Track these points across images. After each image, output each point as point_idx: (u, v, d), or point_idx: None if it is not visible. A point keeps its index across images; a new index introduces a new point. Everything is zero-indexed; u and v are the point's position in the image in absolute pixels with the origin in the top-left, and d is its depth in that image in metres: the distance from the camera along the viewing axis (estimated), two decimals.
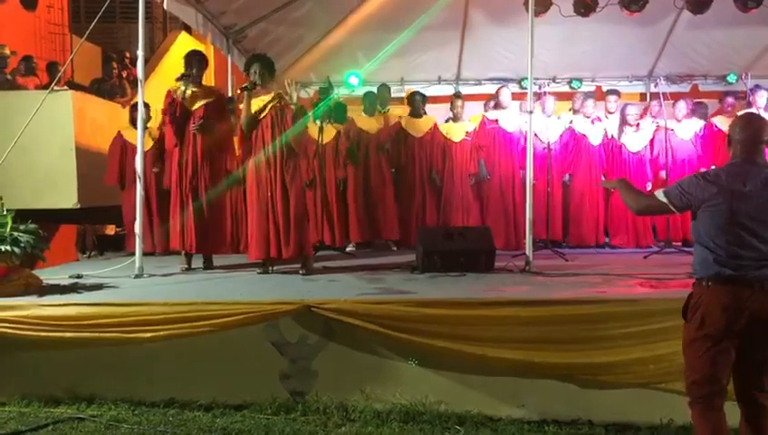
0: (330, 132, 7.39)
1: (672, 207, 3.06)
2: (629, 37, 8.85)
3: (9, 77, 8.07)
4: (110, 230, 8.75)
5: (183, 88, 5.92)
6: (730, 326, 2.84)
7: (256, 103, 5.52)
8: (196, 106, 5.93)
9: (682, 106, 7.79)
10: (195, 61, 6.01)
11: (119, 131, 7.28)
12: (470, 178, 7.61)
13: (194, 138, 5.91)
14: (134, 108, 6.64)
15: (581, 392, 4.04)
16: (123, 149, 7.15)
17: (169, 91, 5.96)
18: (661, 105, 7.56)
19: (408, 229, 7.55)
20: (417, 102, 7.83)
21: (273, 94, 5.56)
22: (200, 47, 12.66)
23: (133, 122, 6.73)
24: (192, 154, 5.90)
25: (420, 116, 7.81)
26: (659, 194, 3.10)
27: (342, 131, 7.48)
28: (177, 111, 5.87)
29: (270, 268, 5.70)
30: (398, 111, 8.24)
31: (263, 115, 5.53)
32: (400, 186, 7.72)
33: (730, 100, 8.08)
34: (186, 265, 6.04)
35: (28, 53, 8.85)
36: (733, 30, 8.56)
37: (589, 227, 7.65)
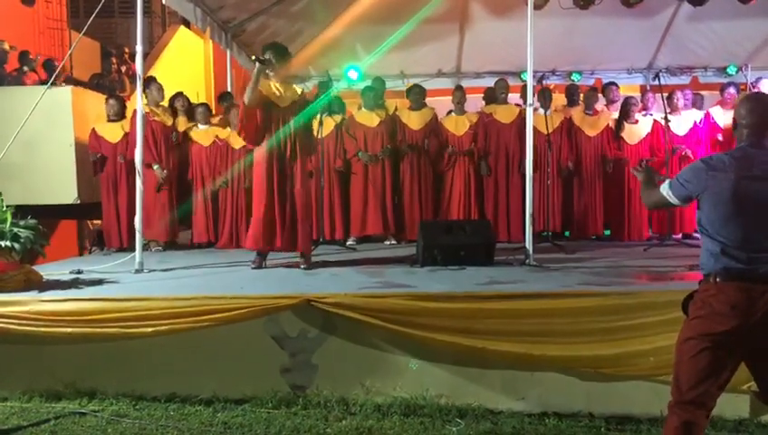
0: (328, 125, 7.37)
1: (674, 201, 2.86)
2: (629, 29, 8.83)
3: (26, 69, 8.13)
4: None
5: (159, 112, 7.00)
6: (740, 327, 2.57)
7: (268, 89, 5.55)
8: (167, 122, 7.11)
9: (678, 97, 7.74)
10: (153, 87, 7.02)
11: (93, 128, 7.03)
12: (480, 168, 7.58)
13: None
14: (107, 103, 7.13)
15: (582, 385, 4.05)
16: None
17: (149, 119, 6.73)
18: (661, 97, 7.50)
19: (408, 223, 7.52)
20: (413, 95, 7.78)
21: (298, 90, 5.69)
22: (199, 42, 12.74)
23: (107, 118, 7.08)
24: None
25: (417, 109, 7.74)
26: (663, 188, 2.89)
27: (343, 127, 7.46)
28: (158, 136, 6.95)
29: (264, 263, 5.67)
30: (397, 104, 8.20)
31: (283, 106, 5.53)
32: (402, 179, 7.67)
33: (731, 90, 7.99)
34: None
35: (27, 49, 8.85)
36: (733, 22, 8.54)
37: (589, 219, 7.64)
